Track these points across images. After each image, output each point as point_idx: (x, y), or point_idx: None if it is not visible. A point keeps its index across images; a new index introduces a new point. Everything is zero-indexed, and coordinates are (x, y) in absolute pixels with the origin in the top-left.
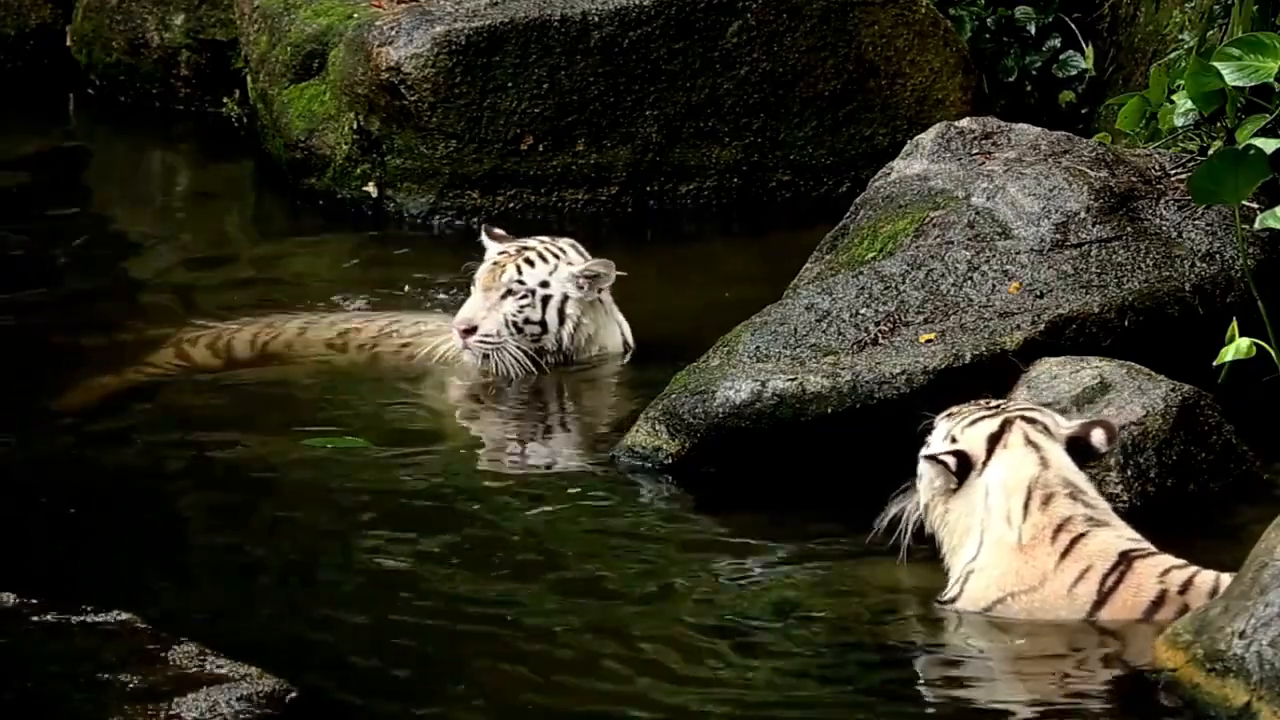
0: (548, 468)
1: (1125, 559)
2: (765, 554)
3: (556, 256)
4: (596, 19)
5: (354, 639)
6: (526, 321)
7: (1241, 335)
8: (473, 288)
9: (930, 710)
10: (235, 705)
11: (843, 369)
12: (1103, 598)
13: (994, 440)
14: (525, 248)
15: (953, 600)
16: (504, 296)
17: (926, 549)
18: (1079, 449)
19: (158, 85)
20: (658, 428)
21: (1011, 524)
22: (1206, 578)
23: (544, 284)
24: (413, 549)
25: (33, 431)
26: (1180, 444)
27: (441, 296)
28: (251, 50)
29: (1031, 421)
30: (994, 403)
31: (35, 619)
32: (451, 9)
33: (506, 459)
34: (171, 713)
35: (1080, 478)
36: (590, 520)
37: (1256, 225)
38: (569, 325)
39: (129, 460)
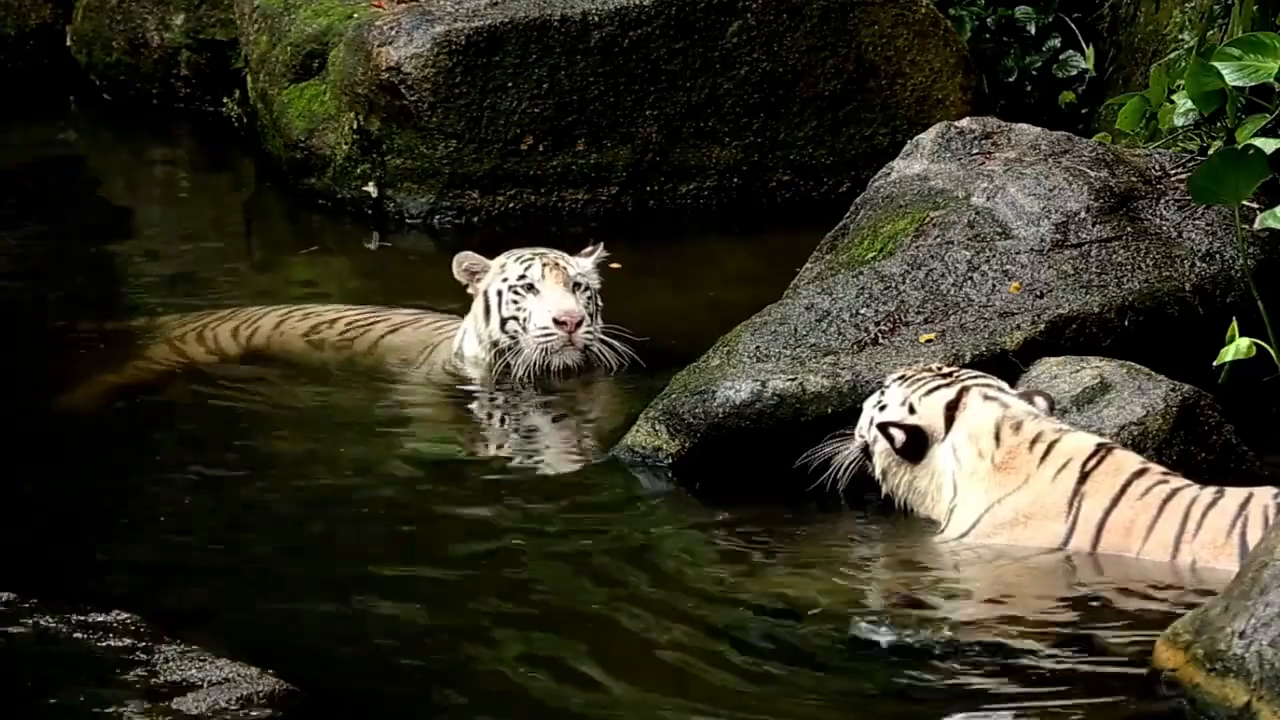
0: (547, 467)
1: (1103, 449)
2: (765, 553)
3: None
4: (596, 19)
5: (355, 639)
6: (596, 312)
7: (1241, 335)
8: (541, 285)
9: (930, 708)
10: (235, 705)
11: (843, 369)
12: (1084, 476)
13: (952, 408)
14: (542, 252)
15: (945, 536)
16: (574, 290)
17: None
18: None
19: (158, 85)
20: (658, 427)
21: (984, 456)
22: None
23: (589, 275)
24: (412, 549)
25: (31, 430)
26: (1180, 444)
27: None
28: (251, 50)
29: (986, 385)
30: (946, 370)
31: (35, 619)
32: (451, 9)
33: (507, 459)
34: (171, 713)
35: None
36: (590, 520)
37: (1256, 225)
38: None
39: (128, 459)
